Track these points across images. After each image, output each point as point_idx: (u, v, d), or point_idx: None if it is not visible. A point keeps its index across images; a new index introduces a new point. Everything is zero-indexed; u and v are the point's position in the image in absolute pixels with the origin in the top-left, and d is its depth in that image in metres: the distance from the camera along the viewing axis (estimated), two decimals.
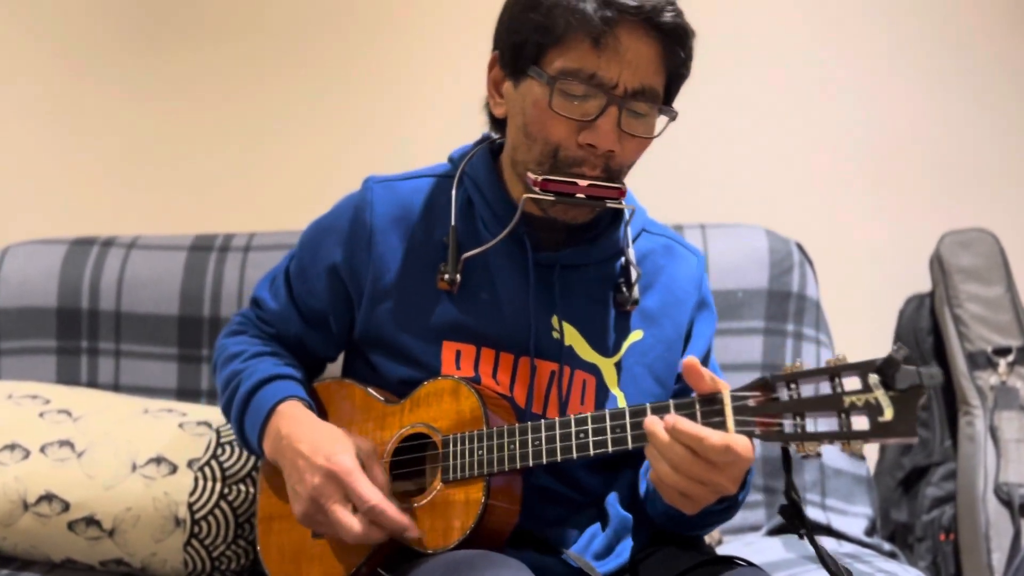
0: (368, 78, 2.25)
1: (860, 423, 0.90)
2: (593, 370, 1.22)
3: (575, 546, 1.19)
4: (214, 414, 1.60)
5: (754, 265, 1.78)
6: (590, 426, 1.07)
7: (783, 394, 0.96)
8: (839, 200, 2.23)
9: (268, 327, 1.37)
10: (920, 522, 2.03)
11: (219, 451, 1.53)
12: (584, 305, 1.24)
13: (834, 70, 2.23)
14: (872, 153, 2.23)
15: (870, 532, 1.71)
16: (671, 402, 1.03)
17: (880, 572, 1.40)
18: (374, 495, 1.10)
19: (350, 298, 1.29)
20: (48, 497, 1.50)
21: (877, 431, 0.89)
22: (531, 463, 1.10)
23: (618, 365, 1.23)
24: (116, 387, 1.79)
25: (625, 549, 1.21)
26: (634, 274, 1.24)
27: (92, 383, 1.80)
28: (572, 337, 1.23)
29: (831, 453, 1.75)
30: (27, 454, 1.54)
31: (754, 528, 1.69)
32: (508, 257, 1.23)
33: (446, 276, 1.21)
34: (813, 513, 1.69)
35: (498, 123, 1.27)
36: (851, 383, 0.91)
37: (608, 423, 1.06)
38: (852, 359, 0.92)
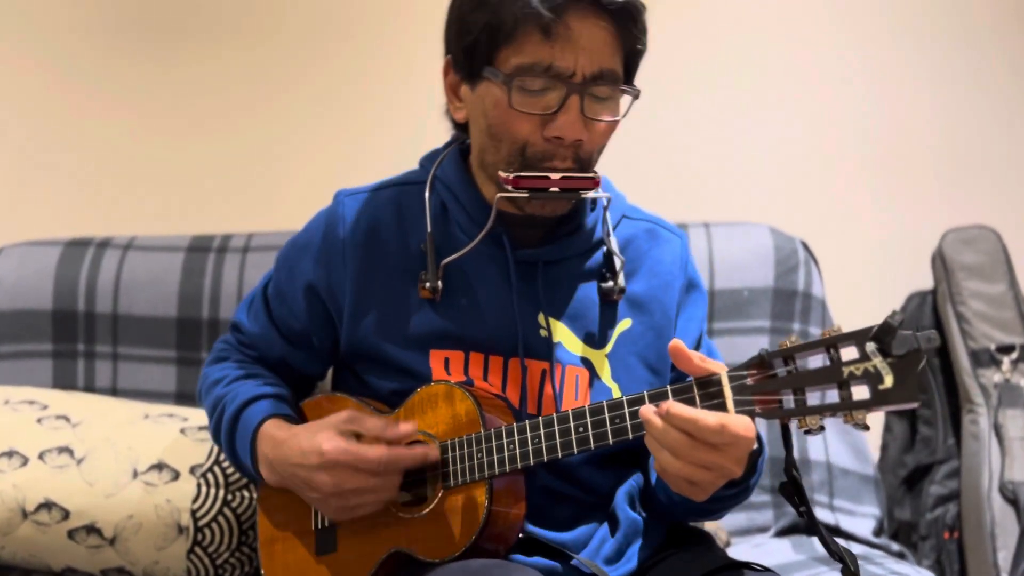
0: (368, 78, 2.25)
1: (861, 392, 0.88)
2: (585, 364, 1.21)
3: (585, 551, 1.17)
4: None
5: (759, 263, 1.78)
6: (588, 419, 1.06)
7: (781, 370, 0.95)
8: (841, 197, 2.23)
9: (250, 350, 1.35)
10: (924, 520, 2.03)
11: (221, 457, 1.51)
12: (569, 299, 1.22)
13: (837, 69, 2.23)
14: (875, 151, 2.23)
15: (878, 532, 1.70)
16: (668, 388, 1.02)
17: (892, 574, 1.39)
18: (377, 451, 1.10)
19: (330, 315, 1.26)
20: (47, 505, 1.48)
21: (878, 399, 0.87)
22: (532, 462, 1.09)
23: (610, 356, 1.22)
24: (114, 391, 1.77)
25: (635, 554, 1.20)
26: (617, 263, 1.22)
27: (89, 387, 1.77)
28: (560, 333, 1.21)
29: (838, 452, 1.74)
30: (25, 461, 1.51)
31: (762, 529, 1.69)
32: (488, 259, 1.21)
33: (427, 284, 1.19)
34: (821, 514, 1.68)
35: (462, 126, 1.25)
36: (848, 353, 0.89)
37: (607, 414, 1.05)
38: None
